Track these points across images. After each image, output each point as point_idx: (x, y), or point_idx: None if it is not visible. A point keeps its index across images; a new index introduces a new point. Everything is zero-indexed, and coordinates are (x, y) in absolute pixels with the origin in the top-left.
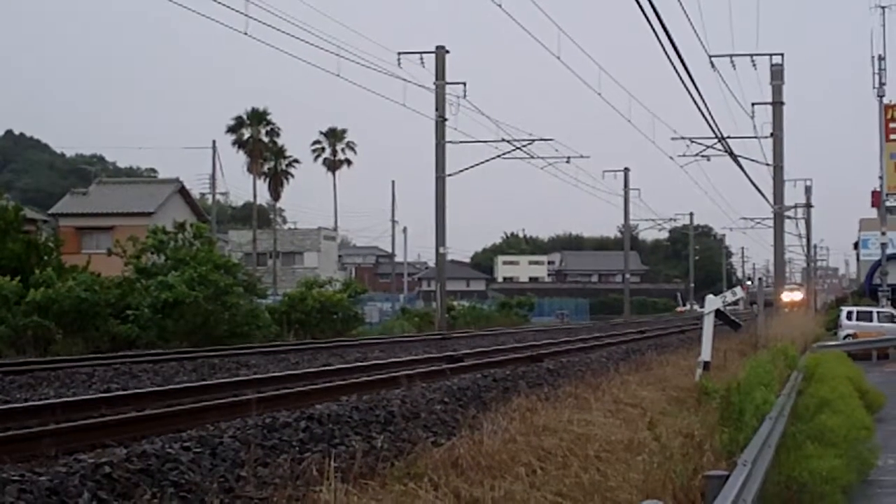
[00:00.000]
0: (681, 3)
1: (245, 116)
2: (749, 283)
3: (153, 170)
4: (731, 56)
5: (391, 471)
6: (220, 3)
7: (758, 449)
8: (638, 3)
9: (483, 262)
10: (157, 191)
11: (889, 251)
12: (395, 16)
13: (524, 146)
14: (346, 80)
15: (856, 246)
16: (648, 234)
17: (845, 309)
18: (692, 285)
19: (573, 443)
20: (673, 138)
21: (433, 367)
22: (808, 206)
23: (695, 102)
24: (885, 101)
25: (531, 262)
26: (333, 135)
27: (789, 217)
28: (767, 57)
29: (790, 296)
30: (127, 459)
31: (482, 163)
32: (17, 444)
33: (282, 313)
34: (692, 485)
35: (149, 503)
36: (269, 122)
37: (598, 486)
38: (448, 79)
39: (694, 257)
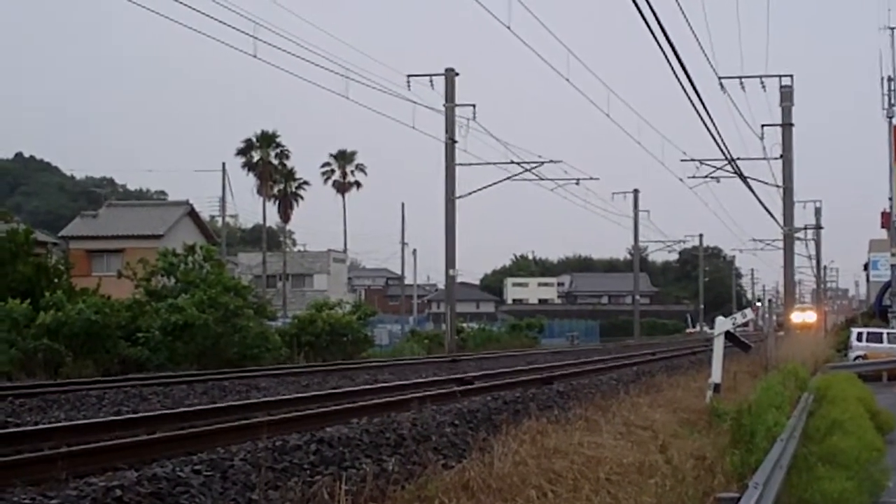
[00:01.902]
0: (690, 25)
1: (254, 139)
2: (759, 304)
3: (163, 192)
4: (740, 77)
5: (402, 494)
6: (229, 25)
7: (769, 471)
8: (647, 24)
9: (492, 284)
10: (166, 213)
11: None
12: (403, 38)
13: (533, 168)
14: (355, 103)
15: (866, 267)
16: (658, 256)
17: (855, 330)
18: (702, 307)
19: (584, 465)
20: (682, 160)
21: (443, 390)
22: (818, 227)
23: (704, 124)
24: (895, 122)
25: (541, 284)
26: (343, 157)
27: (799, 238)
28: (777, 78)
29: (802, 317)
30: (138, 483)
31: (492, 185)
32: (28, 468)
33: (291, 336)
34: None
35: None
36: (278, 145)
37: None
38: (457, 101)
39: (704, 279)
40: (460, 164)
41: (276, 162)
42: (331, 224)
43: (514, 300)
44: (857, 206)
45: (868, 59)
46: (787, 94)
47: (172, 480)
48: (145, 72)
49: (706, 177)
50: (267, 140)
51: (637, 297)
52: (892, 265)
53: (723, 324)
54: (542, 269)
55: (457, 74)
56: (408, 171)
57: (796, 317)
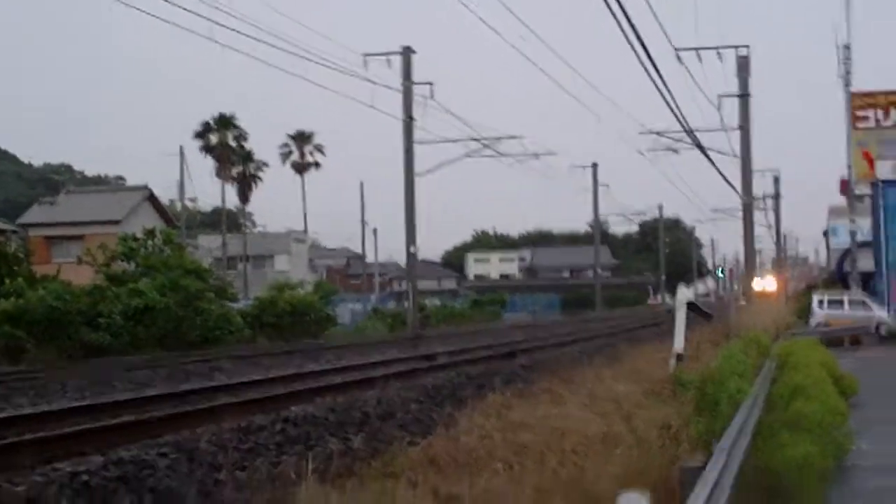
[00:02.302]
0: None
1: (212, 122)
2: (719, 273)
3: (121, 177)
4: (696, 49)
5: (369, 471)
6: (184, 8)
7: (733, 438)
8: None
9: (454, 261)
10: (125, 198)
11: (858, 238)
12: (359, 18)
13: (492, 144)
14: (312, 83)
15: (825, 234)
16: (619, 228)
17: (816, 297)
18: (663, 278)
19: (549, 437)
20: (641, 132)
21: (407, 367)
22: (777, 196)
23: (662, 96)
24: (851, 89)
25: (502, 259)
26: (301, 138)
27: (759, 208)
28: (733, 49)
29: (762, 285)
30: (104, 467)
31: (451, 162)
32: None
33: (253, 317)
34: (670, 475)
35: None
36: (236, 127)
37: (576, 479)
38: (415, 79)
39: (664, 250)
40: (419, 142)
41: (234, 144)
42: (291, 205)
43: (475, 276)
44: (816, 174)
45: (824, 27)
46: (743, 65)
47: (138, 463)
48: (99, 55)
49: (665, 149)
50: (224, 123)
51: (598, 269)
52: (850, 232)
53: (684, 293)
54: (502, 243)
55: (414, 53)
56: (367, 151)
57: (756, 285)
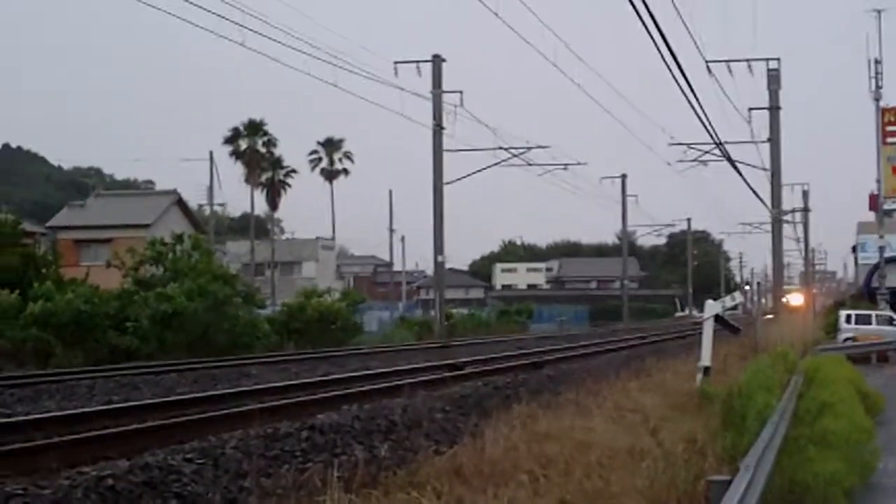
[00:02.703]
0: (677, 9)
1: (242, 127)
2: (747, 287)
3: (150, 181)
4: (727, 62)
5: (394, 479)
6: (217, 14)
7: (760, 453)
8: (635, 9)
9: (481, 270)
10: (154, 203)
11: (887, 254)
12: (390, 25)
13: (521, 154)
14: (342, 90)
15: (854, 249)
16: (646, 240)
17: (844, 312)
18: (691, 291)
19: (575, 449)
20: (670, 144)
21: (434, 376)
22: (806, 210)
23: (692, 108)
24: (882, 104)
25: (529, 270)
26: (330, 144)
27: (787, 221)
28: (764, 62)
29: (788, 299)
30: (130, 471)
31: (480, 171)
32: (20, 458)
33: (281, 323)
34: (695, 490)
35: None
36: (265, 133)
37: (601, 492)
38: (445, 87)
39: (692, 263)
40: (448, 151)
41: (263, 150)
42: (319, 212)
43: (502, 286)
44: (845, 189)
45: (855, 42)
46: (774, 78)
47: (164, 469)
48: (132, 61)
49: (694, 161)
50: (254, 128)
51: (626, 281)
52: (879, 247)
53: (712, 307)
54: (530, 254)
55: (444, 61)
56: (396, 158)
57: (783, 299)
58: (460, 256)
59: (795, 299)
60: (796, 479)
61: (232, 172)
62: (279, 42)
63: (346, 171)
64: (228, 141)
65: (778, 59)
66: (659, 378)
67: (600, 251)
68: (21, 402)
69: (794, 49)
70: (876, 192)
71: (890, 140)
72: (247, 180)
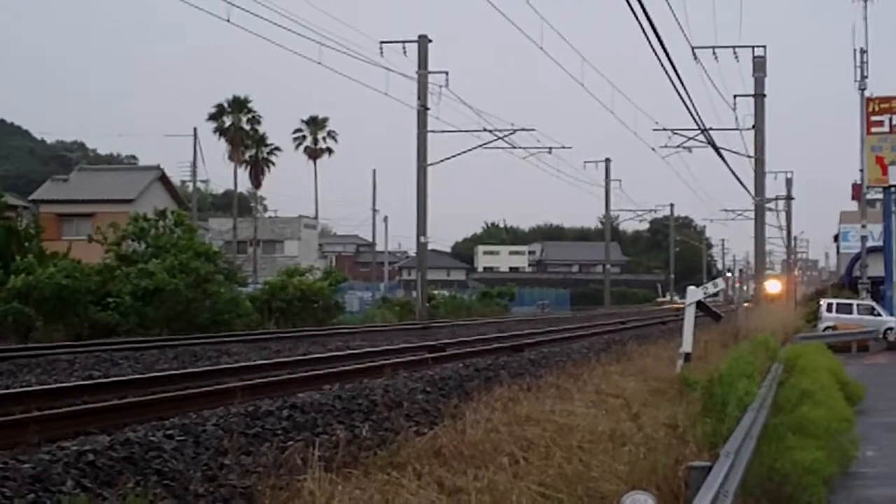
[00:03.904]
0: None
1: (226, 104)
2: (729, 274)
3: (134, 157)
4: (713, 48)
5: (374, 460)
6: None
7: (740, 440)
8: None
9: (463, 252)
10: (137, 178)
11: (869, 244)
12: (376, 4)
13: (506, 136)
14: (327, 69)
15: (836, 238)
16: (629, 225)
17: (825, 301)
18: (672, 276)
19: (556, 433)
20: (655, 129)
21: (415, 357)
22: (789, 198)
23: (678, 93)
24: (867, 94)
25: (512, 253)
26: (314, 123)
27: (770, 209)
28: (750, 49)
29: (765, 286)
30: (110, 447)
31: (464, 153)
32: (0, 432)
33: (262, 302)
34: (675, 475)
35: (132, 491)
36: (250, 110)
37: (582, 476)
38: (430, 68)
39: (674, 248)
40: (432, 132)
41: (247, 127)
42: (302, 190)
43: (484, 268)
44: (828, 178)
45: (841, 31)
46: (759, 65)
47: (145, 445)
48: (116, 36)
49: (678, 146)
50: (238, 105)
51: (608, 266)
52: (861, 237)
53: (694, 293)
54: (513, 237)
55: (430, 41)
56: (380, 138)
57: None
58: (443, 238)
59: (772, 286)
60: (776, 466)
61: (216, 149)
62: (264, 19)
63: (329, 151)
64: (213, 117)
65: (764, 47)
66: (640, 363)
67: (583, 235)
68: (1, 375)
69: (780, 38)
70: (859, 182)
71: (874, 130)
72: (230, 157)
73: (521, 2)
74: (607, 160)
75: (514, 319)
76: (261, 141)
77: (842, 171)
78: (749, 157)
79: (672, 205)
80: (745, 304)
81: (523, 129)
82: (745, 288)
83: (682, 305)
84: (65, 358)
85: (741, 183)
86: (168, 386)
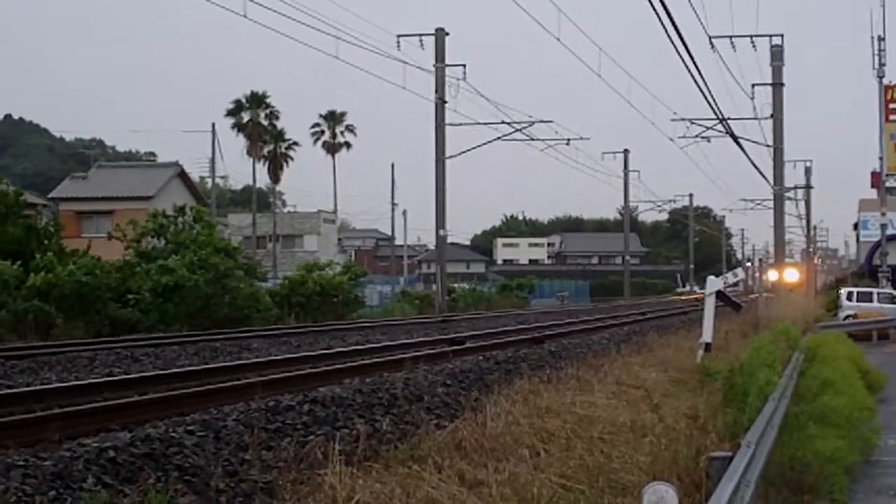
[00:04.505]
0: None
1: (244, 100)
2: (749, 264)
3: (152, 153)
4: (731, 37)
5: (395, 453)
6: None
7: (761, 430)
8: None
9: (483, 245)
10: (156, 175)
11: (889, 232)
12: None
13: (524, 128)
14: (345, 63)
15: (855, 227)
16: (648, 216)
17: (845, 290)
18: (692, 267)
19: (576, 425)
20: (673, 119)
21: (435, 350)
22: (808, 187)
23: (696, 83)
24: (885, 81)
25: (531, 245)
26: (332, 118)
27: (789, 198)
28: (767, 38)
29: (780, 274)
30: (131, 444)
31: (482, 145)
32: (21, 429)
33: (282, 297)
34: (696, 466)
35: (153, 487)
36: (268, 106)
37: (603, 467)
38: (448, 61)
39: (694, 239)
40: (450, 125)
41: (265, 123)
42: (321, 185)
43: (504, 260)
44: (847, 166)
45: (859, 19)
46: (777, 54)
47: (166, 441)
48: (134, 33)
49: (697, 136)
50: (257, 101)
51: (627, 257)
52: (881, 225)
53: (714, 283)
54: (532, 229)
55: (447, 34)
56: (398, 132)
57: (772, 275)
58: (462, 231)
59: (790, 275)
60: (797, 456)
61: (234, 145)
62: (281, 14)
63: (348, 145)
64: (231, 113)
65: (781, 36)
66: (661, 354)
67: (602, 226)
68: (22, 373)
69: (798, 26)
70: (878, 170)
71: (893, 117)
72: (249, 153)
73: None
74: (626, 151)
75: (533, 311)
76: (279, 136)
77: (861, 158)
78: (768, 146)
79: (691, 195)
80: (766, 295)
81: (541, 121)
82: (765, 277)
83: (701, 296)
84: (85, 355)
85: (760, 172)
86: (188, 382)
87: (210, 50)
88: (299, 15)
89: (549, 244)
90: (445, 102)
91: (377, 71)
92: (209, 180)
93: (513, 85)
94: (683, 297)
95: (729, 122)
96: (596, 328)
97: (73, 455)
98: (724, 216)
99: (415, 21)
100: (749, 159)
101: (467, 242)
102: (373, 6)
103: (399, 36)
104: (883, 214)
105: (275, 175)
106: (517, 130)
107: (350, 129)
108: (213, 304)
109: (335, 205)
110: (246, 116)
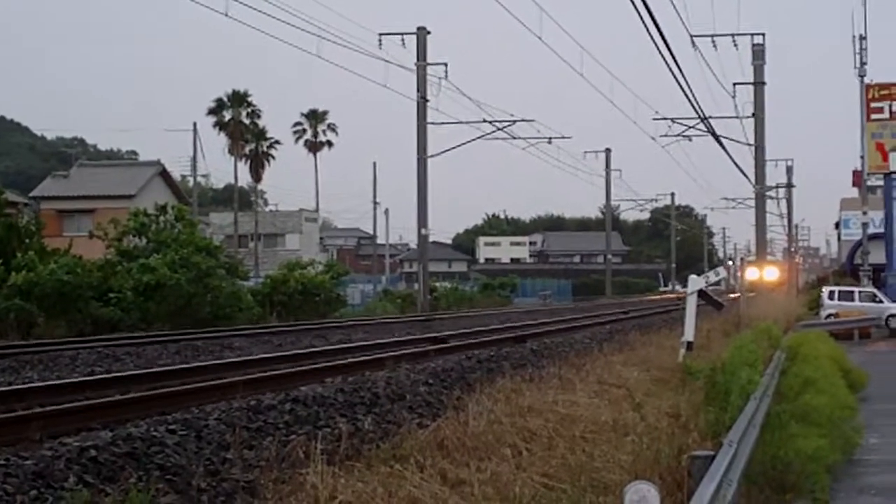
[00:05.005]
0: None
1: (226, 98)
2: (731, 262)
3: (134, 152)
4: (712, 36)
5: (377, 452)
6: None
7: (743, 429)
8: None
9: (464, 243)
10: (138, 173)
11: (870, 231)
12: None
13: (506, 127)
14: (326, 62)
15: (837, 226)
16: (630, 215)
17: (827, 289)
18: (674, 266)
19: (559, 424)
20: (655, 118)
21: (417, 349)
22: (790, 185)
23: (677, 82)
24: (867, 80)
25: (513, 243)
26: (314, 116)
27: (771, 197)
28: (749, 37)
29: (758, 273)
30: (112, 443)
31: (464, 144)
32: (2, 428)
33: (264, 295)
34: (678, 465)
35: (135, 486)
36: (249, 104)
37: (585, 466)
38: (430, 60)
39: (675, 238)
40: (432, 123)
41: (247, 121)
42: (303, 184)
43: (486, 259)
44: (829, 165)
45: (841, 18)
46: (758, 53)
47: (147, 440)
48: (115, 31)
49: (678, 135)
50: (238, 99)
51: (609, 256)
52: (863, 224)
53: (696, 282)
54: (514, 228)
55: (428, 33)
56: (380, 131)
57: (751, 273)
58: (444, 230)
59: (769, 273)
60: (779, 455)
61: (216, 143)
62: (262, 12)
63: (329, 144)
64: (212, 112)
65: (763, 35)
66: (642, 353)
67: (584, 225)
68: (3, 372)
69: (779, 25)
70: (859, 169)
71: (874, 116)
72: (230, 151)
73: None
74: (607, 150)
75: (515, 310)
76: (260, 135)
77: (842, 158)
78: (749, 145)
79: (673, 194)
80: (748, 293)
81: (523, 120)
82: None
83: (683, 294)
84: (67, 354)
85: (742, 171)
86: (170, 381)
87: (191, 48)
88: (281, 14)
89: (531, 243)
90: (427, 101)
91: (359, 69)
92: (191, 179)
93: (495, 84)
94: (665, 296)
95: (711, 121)
96: (578, 327)
97: (54, 454)
98: (705, 215)
99: (397, 20)
100: (731, 158)
101: (449, 241)
102: (355, 5)
103: (381, 34)
104: (864, 213)
105: (256, 174)
106: (499, 129)
107: (332, 127)
108: (194, 302)
109: (317, 203)
110: (227, 115)
